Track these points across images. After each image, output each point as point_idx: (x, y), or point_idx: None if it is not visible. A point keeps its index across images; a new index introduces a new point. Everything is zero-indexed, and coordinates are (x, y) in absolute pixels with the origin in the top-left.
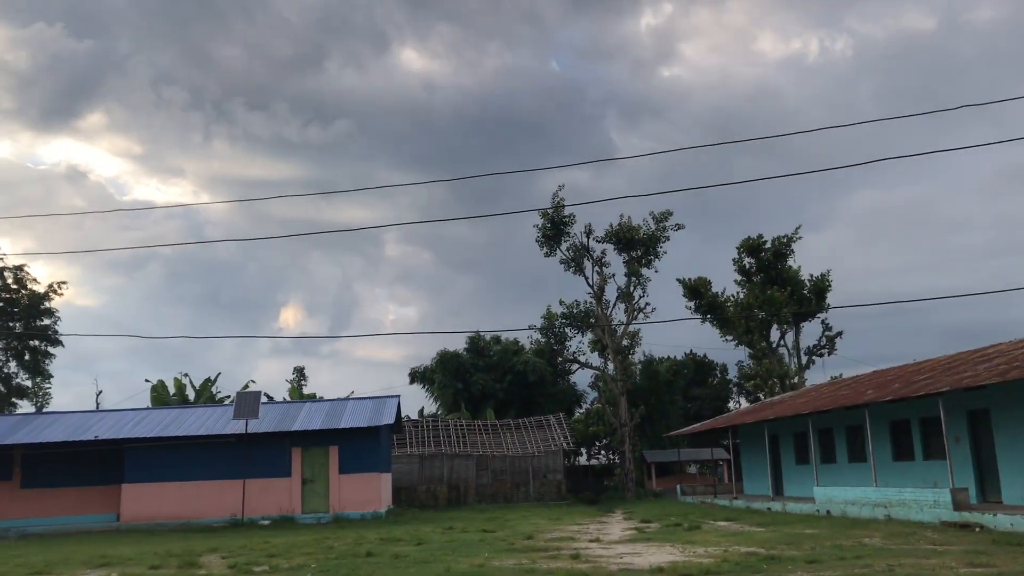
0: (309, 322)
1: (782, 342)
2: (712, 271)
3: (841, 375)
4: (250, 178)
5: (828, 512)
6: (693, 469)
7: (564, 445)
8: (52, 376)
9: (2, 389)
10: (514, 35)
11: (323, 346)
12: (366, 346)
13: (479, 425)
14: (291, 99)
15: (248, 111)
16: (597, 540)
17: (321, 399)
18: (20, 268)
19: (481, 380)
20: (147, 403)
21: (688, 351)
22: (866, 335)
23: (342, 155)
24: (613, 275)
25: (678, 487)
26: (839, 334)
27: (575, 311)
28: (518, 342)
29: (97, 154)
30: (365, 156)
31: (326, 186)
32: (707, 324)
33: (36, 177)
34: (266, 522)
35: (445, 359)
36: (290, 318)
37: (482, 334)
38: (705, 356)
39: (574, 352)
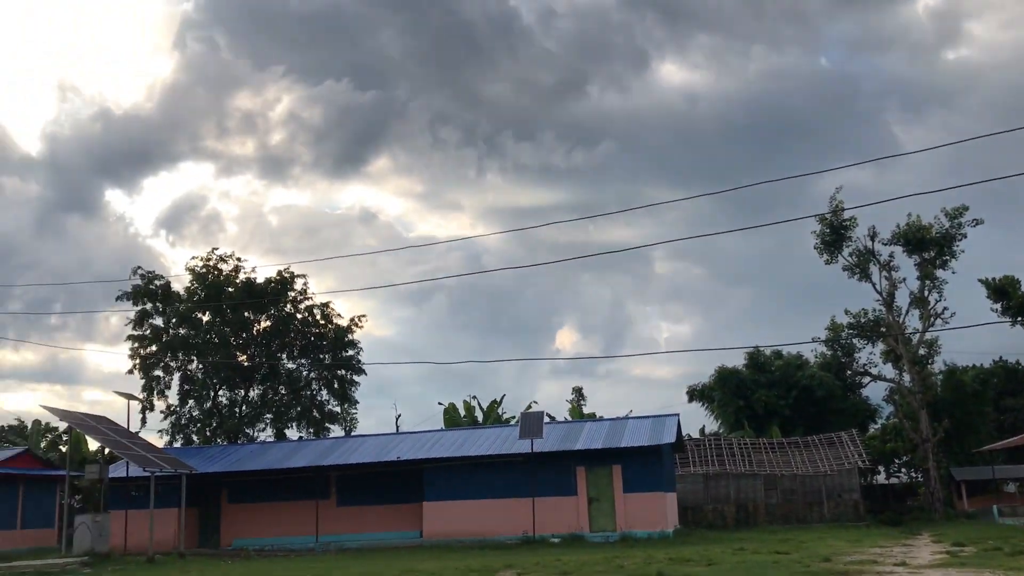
0: (584, 343)
1: None
2: (1021, 268)
3: None
4: (522, 207)
5: None
6: (1012, 487)
7: (859, 463)
8: (358, 402)
9: (317, 415)
10: (778, 36)
11: (599, 366)
12: (641, 365)
13: (764, 443)
14: (556, 127)
15: (516, 142)
16: (903, 564)
17: (601, 418)
18: (326, 305)
19: (764, 397)
20: (441, 425)
21: (997, 358)
22: None
23: (607, 176)
24: (903, 279)
25: (994, 508)
26: None
27: (863, 320)
28: (801, 356)
29: (385, 196)
30: (630, 175)
31: (593, 208)
32: (1018, 327)
33: (334, 221)
34: (556, 540)
35: (724, 376)
36: (566, 339)
37: (761, 349)
38: (1018, 363)
39: (864, 364)
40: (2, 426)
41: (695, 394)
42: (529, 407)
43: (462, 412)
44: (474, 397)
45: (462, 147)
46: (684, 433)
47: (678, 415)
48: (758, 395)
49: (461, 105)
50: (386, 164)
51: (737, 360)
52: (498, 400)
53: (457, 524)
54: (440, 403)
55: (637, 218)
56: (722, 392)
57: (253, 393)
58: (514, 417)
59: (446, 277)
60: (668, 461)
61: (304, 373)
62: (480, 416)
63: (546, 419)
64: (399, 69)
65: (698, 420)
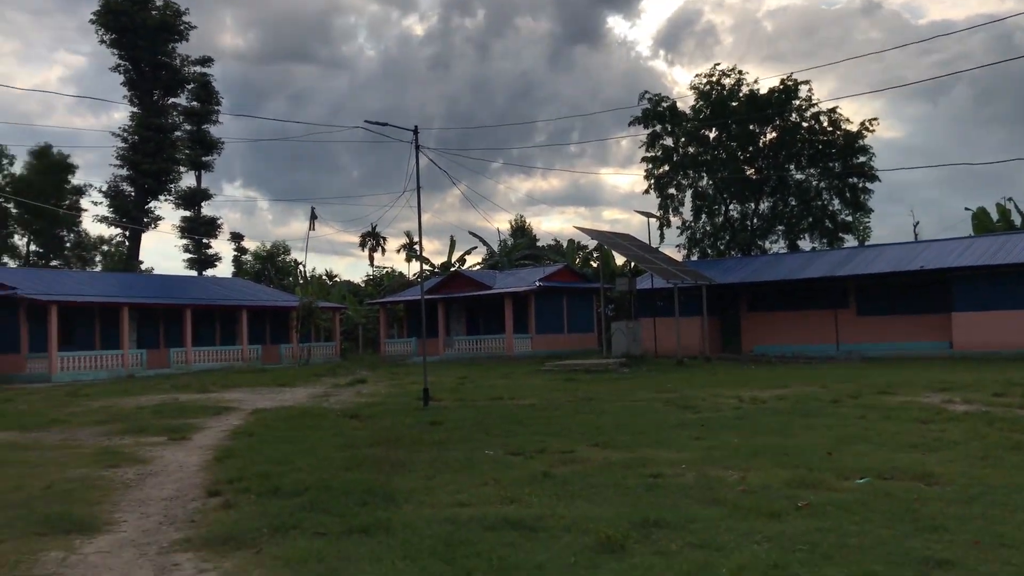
0: None
1: None
2: None
3: None
4: None
5: None
6: None
7: None
8: (871, 210)
9: (829, 225)
10: None
11: None
12: None
13: None
14: None
15: None
16: None
17: None
18: (832, 110)
19: None
20: (968, 231)
21: None
22: None
23: None
24: None
25: None
26: None
27: None
28: None
29: None
30: None
31: None
32: None
33: (833, 18)
34: None
35: None
36: None
37: None
38: None
39: None
40: (543, 246)
41: None
42: None
43: (994, 216)
44: (1009, 199)
45: None
46: None
47: None
48: None
49: None
50: None
51: None
52: None
53: (992, 336)
54: (967, 208)
55: None
56: None
57: (763, 206)
58: None
59: (969, 69)
60: None
61: (813, 183)
62: (1017, 220)
63: None
64: None
65: None
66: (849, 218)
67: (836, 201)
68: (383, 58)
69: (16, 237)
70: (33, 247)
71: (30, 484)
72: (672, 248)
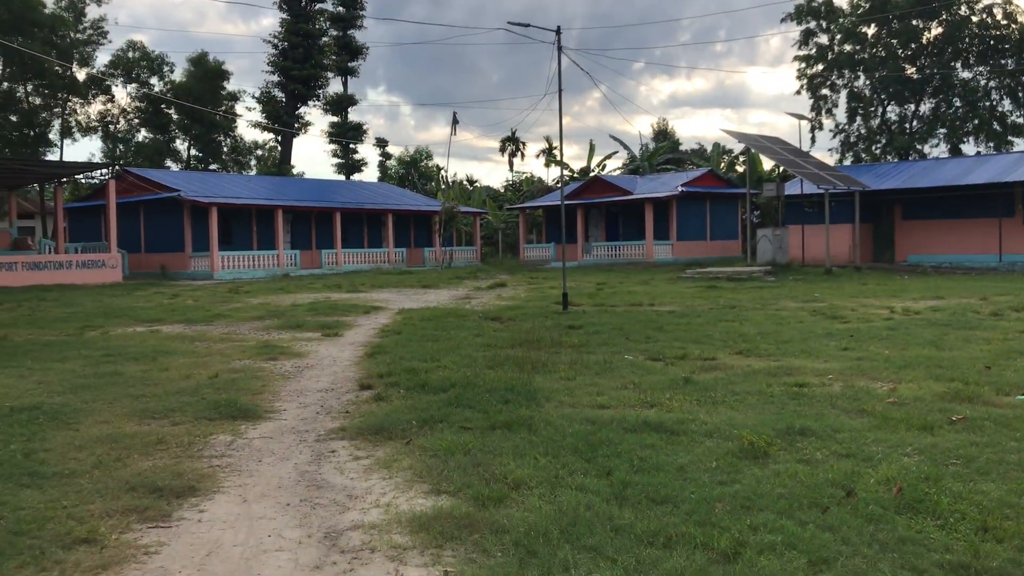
0: None
1: None
2: None
3: None
4: None
5: None
6: None
7: None
8: None
9: (997, 128)
10: None
11: None
12: None
13: None
14: None
15: None
16: None
17: None
18: (1008, 2)
19: None
20: None
21: None
22: None
23: None
24: None
25: None
26: None
27: None
28: None
29: None
30: None
31: None
32: None
33: None
34: None
35: None
36: None
37: None
38: None
39: None
40: (685, 150)
41: None
42: None
43: None
44: None
45: None
46: None
47: None
48: None
49: None
50: None
51: None
52: None
53: None
54: None
55: None
56: None
57: (924, 107)
58: None
59: None
60: None
61: (982, 82)
62: None
63: None
64: None
65: None
66: (1021, 120)
67: (1007, 101)
68: None
69: (178, 142)
70: (193, 151)
71: (198, 373)
72: (824, 152)
